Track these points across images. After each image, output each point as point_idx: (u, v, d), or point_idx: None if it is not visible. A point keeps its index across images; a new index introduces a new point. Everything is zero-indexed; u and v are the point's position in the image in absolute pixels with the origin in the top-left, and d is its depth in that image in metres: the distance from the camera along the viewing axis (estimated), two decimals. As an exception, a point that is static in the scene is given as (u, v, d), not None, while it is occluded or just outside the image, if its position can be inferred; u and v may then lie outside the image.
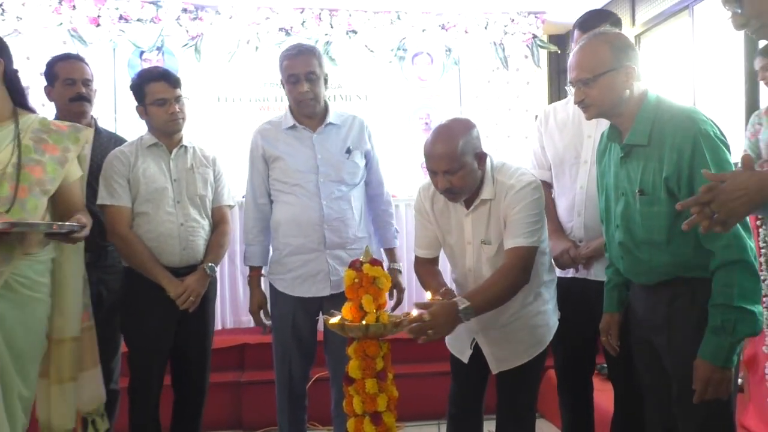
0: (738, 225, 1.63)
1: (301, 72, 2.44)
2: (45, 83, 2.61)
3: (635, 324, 1.96)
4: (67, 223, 2.04)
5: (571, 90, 1.98)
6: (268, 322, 2.61)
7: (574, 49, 1.90)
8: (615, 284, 2.03)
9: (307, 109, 2.50)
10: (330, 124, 2.55)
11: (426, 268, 2.22)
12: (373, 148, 2.67)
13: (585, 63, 1.78)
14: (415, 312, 1.92)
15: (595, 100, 1.78)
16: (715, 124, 1.75)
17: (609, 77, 1.75)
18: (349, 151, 2.56)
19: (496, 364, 2.18)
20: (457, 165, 1.97)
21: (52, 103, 2.63)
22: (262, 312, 2.60)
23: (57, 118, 2.54)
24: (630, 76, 1.76)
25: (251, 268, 2.61)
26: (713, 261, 1.67)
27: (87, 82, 2.59)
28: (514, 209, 2.02)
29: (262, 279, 2.66)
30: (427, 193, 2.19)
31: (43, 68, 2.59)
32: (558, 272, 2.36)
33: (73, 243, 2.11)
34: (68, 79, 2.53)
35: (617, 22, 2.35)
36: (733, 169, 1.69)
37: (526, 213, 2.01)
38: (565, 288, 2.31)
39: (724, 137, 1.74)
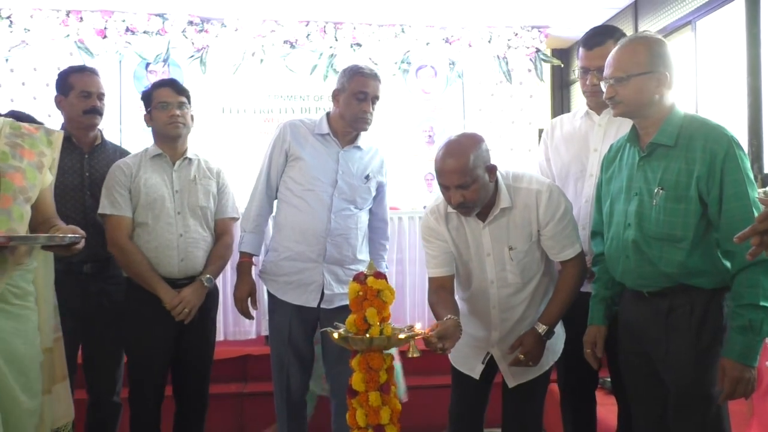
0: None
1: (371, 93, 2.49)
2: (55, 92, 2.61)
3: (628, 336, 1.96)
4: (68, 235, 1.96)
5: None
6: (253, 311, 2.61)
7: (615, 47, 1.95)
8: (602, 297, 2.04)
9: (362, 126, 2.54)
10: (357, 146, 2.59)
11: (440, 296, 2.15)
12: (386, 184, 2.71)
13: (621, 62, 1.83)
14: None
15: (624, 99, 1.83)
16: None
17: (641, 79, 1.81)
18: (368, 178, 2.59)
19: (513, 377, 2.18)
20: (469, 179, 1.98)
21: (58, 113, 2.63)
22: (249, 300, 2.57)
23: (64, 127, 2.55)
24: (662, 82, 1.82)
25: (243, 254, 2.58)
26: (736, 262, 1.70)
27: (101, 96, 2.60)
28: (555, 218, 2.07)
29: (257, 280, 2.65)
30: (439, 213, 2.17)
31: (51, 79, 2.60)
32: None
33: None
34: (84, 92, 2.54)
35: (621, 39, 2.34)
36: (753, 179, 1.75)
37: (566, 220, 2.08)
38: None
39: None
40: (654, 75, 1.80)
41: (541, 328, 2.07)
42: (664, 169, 1.80)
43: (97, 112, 2.57)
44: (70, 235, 1.96)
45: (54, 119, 2.68)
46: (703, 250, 1.77)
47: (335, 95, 2.55)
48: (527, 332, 2.09)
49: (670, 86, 1.85)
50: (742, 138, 3.65)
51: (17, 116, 3.36)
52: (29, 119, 3.40)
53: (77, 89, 2.53)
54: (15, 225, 1.94)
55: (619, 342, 2.00)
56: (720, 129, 1.79)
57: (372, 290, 1.89)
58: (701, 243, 1.77)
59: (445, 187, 2.04)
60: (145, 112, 2.56)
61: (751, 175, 1.75)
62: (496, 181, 2.08)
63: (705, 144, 1.76)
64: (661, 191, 1.79)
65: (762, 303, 1.67)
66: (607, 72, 1.87)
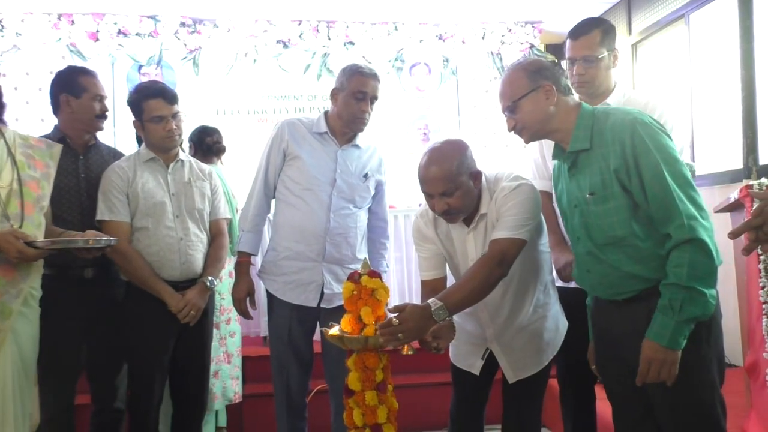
0: (689, 205, 1.63)
1: (370, 93, 2.47)
2: (61, 91, 2.50)
3: (603, 344, 1.92)
4: (104, 237, 2.14)
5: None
6: (252, 311, 2.59)
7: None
8: None
9: (360, 126, 2.52)
10: (355, 145, 2.58)
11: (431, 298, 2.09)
12: (385, 183, 2.70)
13: (506, 92, 1.86)
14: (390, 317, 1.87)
15: (524, 123, 1.84)
16: (652, 118, 1.77)
17: (529, 99, 1.81)
18: (366, 177, 2.58)
19: (513, 373, 2.15)
20: (453, 186, 1.96)
21: (51, 118, 2.59)
22: (248, 300, 2.56)
23: (58, 128, 2.52)
24: (550, 93, 1.81)
25: (241, 254, 2.57)
26: (668, 243, 1.66)
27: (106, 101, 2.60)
28: (505, 206, 2.00)
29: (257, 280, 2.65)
30: (428, 218, 2.16)
31: (43, 83, 2.57)
32: (560, 283, 2.35)
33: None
34: (99, 96, 2.52)
35: (609, 29, 2.34)
36: (677, 154, 1.70)
37: (516, 210, 1.98)
38: (567, 299, 2.28)
39: (663, 127, 1.76)
40: (539, 90, 1.81)
41: (435, 305, 1.87)
42: (590, 174, 1.77)
43: (106, 116, 2.57)
44: (105, 237, 2.15)
45: (47, 123, 2.64)
46: (653, 235, 1.71)
47: (334, 94, 2.53)
48: (416, 304, 1.91)
49: (564, 92, 1.83)
50: (737, 130, 3.65)
51: (205, 131, 3.52)
52: (215, 132, 3.53)
53: (91, 92, 2.50)
54: (35, 232, 2.08)
55: (596, 349, 1.97)
56: (624, 115, 1.75)
57: (366, 289, 1.89)
58: (648, 230, 1.71)
59: (428, 195, 2.01)
60: (134, 120, 2.54)
61: (669, 149, 1.68)
62: (481, 187, 2.06)
63: (613, 135, 1.73)
64: (590, 197, 1.77)
65: (686, 283, 1.61)
66: (501, 108, 1.89)
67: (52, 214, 2.31)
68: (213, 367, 3.18)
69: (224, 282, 3.23)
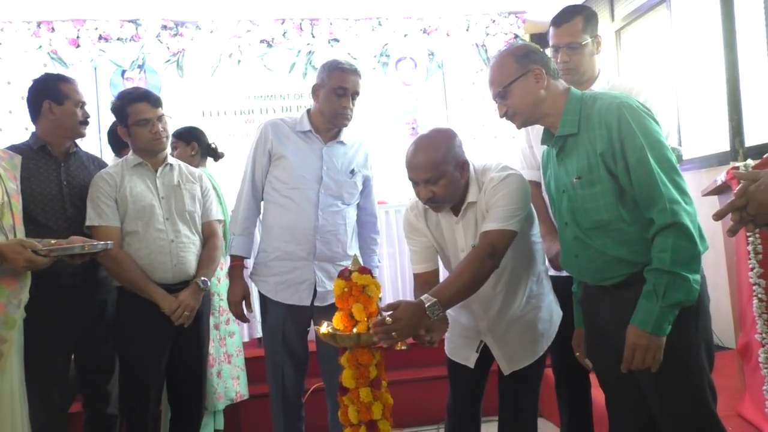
0: (672, 189, 1.63)
1: (351, 89, 2.47)
2: (43, 98, 2.47)
3: (593, 331, 1.92)
4: (100, 243, 2.16)
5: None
6: (249, 314, 2.59)
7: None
8: (580, 298, 1.99)
9: (342, 122, 2.52)
10: (340, 141, 2.57)
11: (424, 292, 2.04)
12: (372, 178, 2.69)
13: (496, 78, 1.86)
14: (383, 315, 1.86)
15: (515, 108, 1.84)
16: (639, 102, 1.77)
17: (519, 83, 1.81)
18: (353, 173, 2.58)
19: (507, 365, 2.15)
20: (437, 173, 1.96)
21: (32, 127, 2.58)
22: (243, 303, 2.55)
23: (37, 135, 2.49)
24: (540, 77, 1.81)
25: (233, 258, 2.57)
26: (652, 227, 1.66)
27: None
28: (494, 197, 2.00)
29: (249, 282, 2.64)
30: (418, 210, 2.16)
31: (26, 92, 2.54)
32: (552, 272, 2.35)
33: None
34: (80, 102, 2.51)
35: (591, 16, 2.34)
36: (663, 138, 1.70)
37: (505, 201, 1.97)
38: (560, 288, 2.28)
39: (650, 111, 1.75)
40: (529, 74, 1.81)
41: (428, 301, 1.86)
42: (577, 158, 1.78)
43: (88, 122, 2.57)
44: (102, 243, 2.17)
45: (31, 132, 2.60)
46: (639, 218, 1.70)
47: (315, 91, 2.53)
48: (410, 301, 1.91)
49: (554, 76, 1.84)
50: (722, 114, 3.66)
51: (199, 132, 3.46)
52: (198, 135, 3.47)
53: (73, 99, 2.49)
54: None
55: (586, 337, 1.98)
56: (610, 99, 1.75)
57: (357, 286, 1.88)
58: (633, 214, 1.71)
59: (414, 183, 2.02)
60: (120, 126, 2.54)
61: (655, 133, 1.68)
62: (468, 176, 2.06)
63: (599, 119, 1.73)
64: (577, 181, 1.77)
65: (670, 268, 1.60)
66: (492, 95, 1.89)
67: (36, 222, 2.31)
68: (215, 368, 3.18)
69: (222, 283, 3.23)
